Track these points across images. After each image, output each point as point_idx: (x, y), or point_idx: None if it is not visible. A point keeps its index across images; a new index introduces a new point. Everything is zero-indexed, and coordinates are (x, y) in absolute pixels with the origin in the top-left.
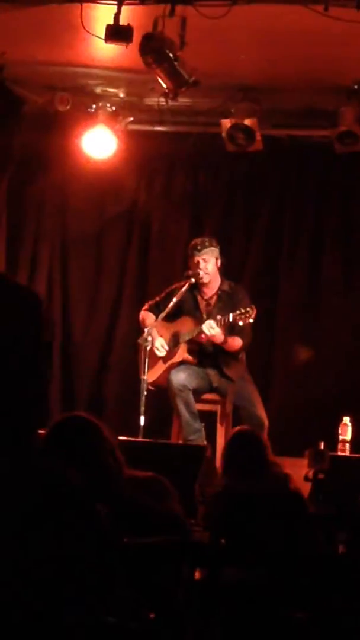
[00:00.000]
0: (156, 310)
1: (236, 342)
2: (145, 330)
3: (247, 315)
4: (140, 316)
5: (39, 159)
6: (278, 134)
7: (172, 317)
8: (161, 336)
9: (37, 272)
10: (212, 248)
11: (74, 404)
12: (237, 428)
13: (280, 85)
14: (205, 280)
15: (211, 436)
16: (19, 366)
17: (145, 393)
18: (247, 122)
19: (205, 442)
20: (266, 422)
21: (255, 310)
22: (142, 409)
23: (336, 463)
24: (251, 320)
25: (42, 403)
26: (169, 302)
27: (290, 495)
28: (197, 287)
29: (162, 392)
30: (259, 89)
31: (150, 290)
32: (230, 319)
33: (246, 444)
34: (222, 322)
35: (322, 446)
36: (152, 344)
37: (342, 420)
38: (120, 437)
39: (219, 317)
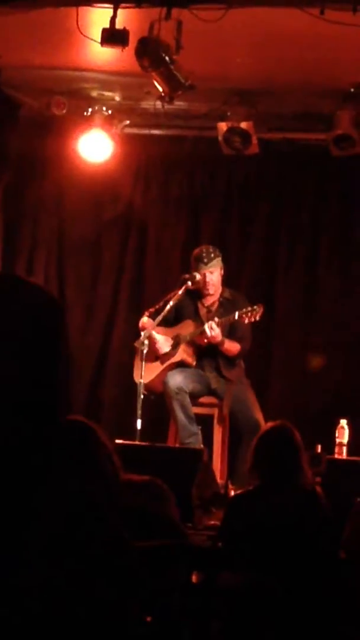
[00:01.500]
0: (155, 317)
1: (234, 346)
2: (142, 333)
3: (254, 313)
4: (140, 323)
5: (36, 163)
6: (274, 138)
7: (172, 322)
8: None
9: (33, 275)
10: (218, 259)
11: (70, 408)
12: (271, 423)
13: (277, 88)
14: (211, 291)
15: (208, 439)
16: (38, 376)
17: (142, 396)
18: (243, 125)
19: (201, 446)
20: (263, 425)
21: (262, 309)
22: (139, 412)
23: (333, 466)
24: (257, 318)
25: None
26: (169, 308)
27: (317, 521)
28: (198, 295)
29: (159, 394)
30: (255, 92)
31: (147, 294)
32: (236, 317)
33: (279, 442)
34: (222, 325)
35: (318, 449)
36: (153, 344)
37: (338, 423)
38: (117, 441)
39: (216, 319)
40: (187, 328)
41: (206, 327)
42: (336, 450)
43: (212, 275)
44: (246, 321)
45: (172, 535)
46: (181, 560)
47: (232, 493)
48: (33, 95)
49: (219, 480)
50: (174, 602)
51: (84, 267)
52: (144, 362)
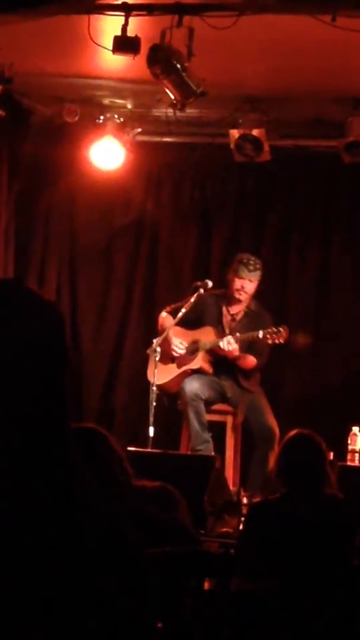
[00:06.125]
0: (174, 315)
1: (251, 361)
2: (154, 341)
3: (278, 335)
4: (160, 319)
5: (48, 170)
6: (286, 145)
7: (193, 325)
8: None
9: (45, 282)
10: (260, 272)
11: (82, 415)
12: (297, 430)
13: (288, 95)
14: (242, 299)
15: (219, 447)
16: (41, 390)
17: (155, 403)
18: (255, 132)
19: (213, 453)
20: (277, 433)
21: (287, 333)
22: (151, 419)
23: (345, 473)
24: (281, 342)
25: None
26: (189, 310)
27: (340, 530)
28: (225, 300)
29: (171, 402)
30: (267, 99)
31: (159, 301)
32: (260, 336)
33: (305, 449)
34: (242, 340)
35: (331, 456)
36: (168, 344)
37: (351, 430)
38: (129, 448)
39: (237, 334)
40: (208, 335)
41: (223, 342)
42: (349, 457)
43: (251, 284)
44: (269, 342)
45: (185, 541)
46: (193, 567)
47: (245, 500)
48: (45, 103)
49: (231, 488)
50: (186, 608)
51: (96, 274)
52: (158, 364)
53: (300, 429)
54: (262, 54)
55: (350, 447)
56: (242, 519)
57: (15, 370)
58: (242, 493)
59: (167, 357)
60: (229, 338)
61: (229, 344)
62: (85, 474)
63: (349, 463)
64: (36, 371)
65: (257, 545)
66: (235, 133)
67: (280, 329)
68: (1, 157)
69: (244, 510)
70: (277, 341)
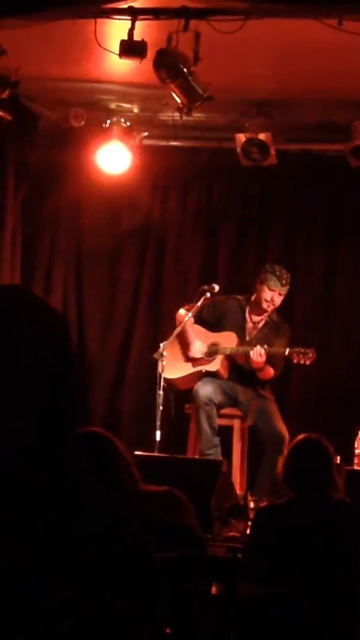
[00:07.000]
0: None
1: (269, 372)
2: (161, 345)
3: (306, 357)
4: (178, 316)
5: (54, 175)
6: (292, 149)
7: (212, 326)
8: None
9: (52, 287)
10: (289, 287)
11: (89, 420)
12: (305, 434)
13: (294, 99)
14: (269, 311)
15: (226, 451)
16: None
17: (161, 407)
18: (262, 136)
19: (221, 458)
20: (287, 437)
21: (315, 355)
22: (158, 423)
23: (352, 477)
24: (307, 363)
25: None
26: (209, 312)
27: (346, 535)
28: (249, 306)
29: (178, 406)
30: (273, 103)
31: (165, 305)
32: (286, 353)
33: (312, 453)
34: (268, 353)
35: (337, 460)
36: (187, 343)
37: (358, 434)
38: (137, 452)
39: (266, 347)
40: (229, 341)
41: (254, 352)
42: (356, 461)
43: (280, 297)
44: (295, 361)
45: (191, 545)
46: (200, 571)
47: (252, 504)
48: (51, 107)
49: (238, 492)
50: (194, 613)
51: (102, 279)
52: (172, 357)
53: (308, 433)
54: (268, 58)
55: (357, 451)
56: (249, 523)
57: (22, 374)
58: (249, 497)
59: (183, 353)
60: (260, 350)
61: (260, 356)
62: (92, 476)
63: (356, 467)
64: (42, 375)
65: (264, 550)
66: (241, 137)
67: (309, 352)
68: (8, 162)
69: (251, 515)
70: (302, 361)
